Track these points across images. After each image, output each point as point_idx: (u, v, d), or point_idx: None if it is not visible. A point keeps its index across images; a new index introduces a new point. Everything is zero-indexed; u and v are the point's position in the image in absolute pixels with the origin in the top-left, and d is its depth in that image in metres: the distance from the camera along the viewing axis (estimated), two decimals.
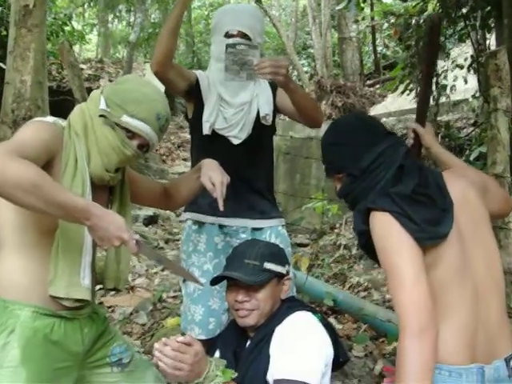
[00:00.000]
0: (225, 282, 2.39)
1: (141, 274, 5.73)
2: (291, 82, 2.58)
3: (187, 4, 2.66)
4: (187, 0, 2.62)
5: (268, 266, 2.10)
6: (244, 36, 2.66)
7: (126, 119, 1.91)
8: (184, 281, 2.79)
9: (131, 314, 4.76)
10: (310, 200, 7.34)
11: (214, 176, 2.23)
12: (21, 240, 1.86)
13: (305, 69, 17.29)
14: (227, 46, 2.46)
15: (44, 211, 1.64)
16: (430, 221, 1.71)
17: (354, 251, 6.82)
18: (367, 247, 1.83)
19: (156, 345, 1.85)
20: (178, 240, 7.13)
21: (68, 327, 1.93)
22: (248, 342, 2.11)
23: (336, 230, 7.71)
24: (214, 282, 2.26)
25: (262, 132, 2.78)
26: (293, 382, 1.85)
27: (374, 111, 12.70)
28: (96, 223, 1.68)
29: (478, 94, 8.19)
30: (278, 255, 2.20)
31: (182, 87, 2.75)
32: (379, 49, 16.46)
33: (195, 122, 2.78)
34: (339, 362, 2.06)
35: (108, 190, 2.10)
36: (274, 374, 1.91)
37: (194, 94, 2.75)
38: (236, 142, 2.73)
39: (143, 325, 4.62)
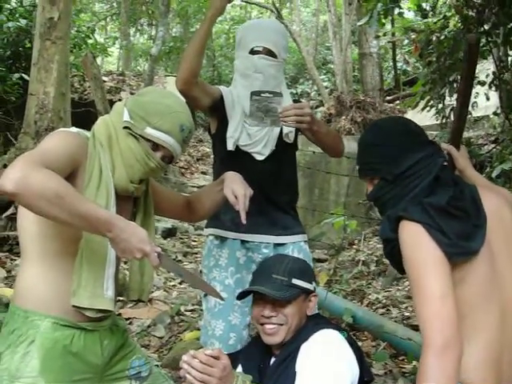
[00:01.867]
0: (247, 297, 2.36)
1: (159, 286, 5.72)
2: (315, 125, 2.58)
3: (214, 22, 2.66)
4: (214, 17, 2.62)
5: (296, 282, 2.08)
6: (269, 52, 2.66)
7: (149, 131, 1.91)
8: (205, 295, 2.77)
9: (149, 326, 4.75)
10: (328, 215, 7.32)
11: (236, 189, 2.21)
12: (42, 249, 1.85)
13: (324, 84, 17.29)
14: (252, 93, 2.46)
15: (66, 222, 1.63)
16: (461, 235, 1.68)
17: (373, 267, 6.78)
18: (392, 256, 1.80)
19: (184, 357, 1.83)
20: (196, 253, 7.13)
21: (88, 339, 1.92)
22: (272, 359, 2.08)
23: (355, 246, 7.67)
24: (241, 296, 2.24)
25: (284, 148, 2.78)
26: None
27: None
28: (118, 235, 1.67)
29: (499, 111, 8.14)
30: (305, 271, 2.18)
31: (205, 104, 2.74)
32: (399, 65, 16.44)
33: (218, 138, 2.77)
34: (363, 381, 2.02)
35: (132, 202, 2.10)
36: None
37: (218, 110, 2.75)
38: (259, 158, 2.72)
39: (161, 338, 4.60)
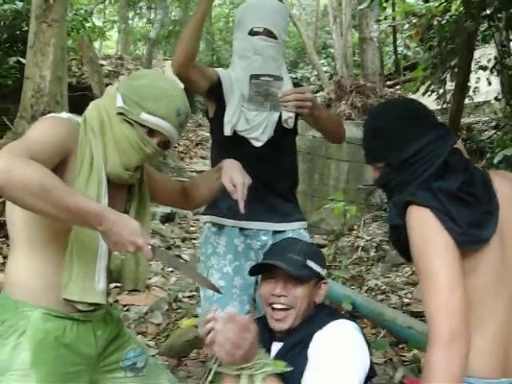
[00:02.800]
0: (243, 284, 2.30)
1: (156, 272, 5.69)
2: (316, 110, 2.50)
3: (210, 4, 2.60)
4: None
5: (310, 263, 2.01)
6: (269, 33, 2.58)
7: (144, 117, 1.83)
8: None
9: (146, 313, 4.71)
10: (328, 201, 7.29)
11: (235, 177, 2.15)
12: (30, 239, 1.79)
13: (324, 68, 17.21)
14: (251, 76, 2.39)
15: (53, 216, 1.56)
16: (472, 223, 1.60)
17: (372, 253, 6.77)
18: (399, 243, 1.73)
19: (222, 317, 1.75)
20: (194, 239, 7.10)
21: (80, 329, 1.86)
22: (276, 344, 1.99)
23: (354, 232, 7.65)
24: (252, 272, 2.17)
25: (283, 134, 2.71)
26: None
27: None
28: (110, 228, 1.60)
29: (500, 96, 8.08)
30: (319, 256, 2.12)
31: (203, 87, 2.67)
32: (400, 49, 16.34)
33: (216, 122, 2.70)
34: (367, 377, 1.95)
35: (126, 189, 2.02)
36: (311, 379, 1.81)
37: (216, 93, 2.67)
38: (257, 144, 2.65)
39: (158, 325, 4.57)
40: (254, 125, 2.61)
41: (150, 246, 1.68)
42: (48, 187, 1.49)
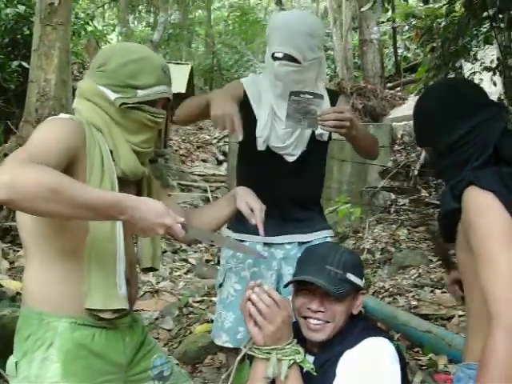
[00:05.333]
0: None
1: (165, 277, 5.67)
2: (353, 129, 2.38)
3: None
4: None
5: (350, 277, 1.86)
6: (291, 58, 2.45)
7: (142, 93, 1.80)
8: (220, 285, 2.68)
9: (157, 318, 4.69)
10: (332, 203, 7.27)
11: (251, 201, 2.12)
12: (45, 248, 1.72)
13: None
14: (291, 93, 2.29)
15: (73, 216, 1.50)
16: None
17: (378, 256, 6.75)
18: (449, 229, 1.68)
19: (257, 288, 1.71)
20: (200, 242, 7.07)
21: (109, 337, 1.80)
22: (311, 359, 1.94)
23: (359, 234, 7.63)
24: (288, 284, 2.04)
25: (316, 147, 2.63)
26: None
27: (394, 113, 12.60)
28: (133, 215, 1.52)
29: (503, 97, 8.08)
30: (359, 266, 1.97)
31: None
32: (400, 51, 16.36)
33: (246, 135, 2.50)
34: None
35: (135, 187, 1.96)
36: None
37: (243, 106, 2.56)
38: (290, 159, 2.58)
39: (169, 330, 4.54)
40: (287, 143, 2.54)
41: (179, 224, 1.62)
42: (58, 188, 1.42)
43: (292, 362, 1.74)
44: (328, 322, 1.84)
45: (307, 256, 2.00)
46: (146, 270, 2.03)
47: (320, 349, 1.88)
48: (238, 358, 1.80)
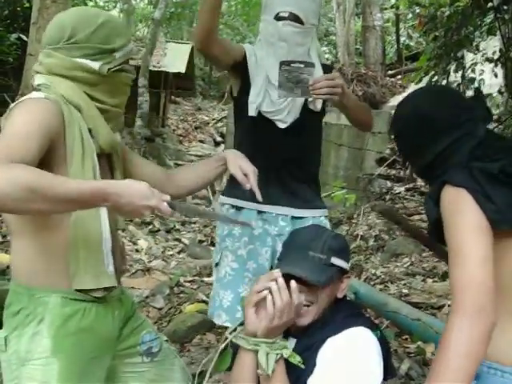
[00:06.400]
0: (257, 269, 2.22)
1: (157, 255, 5.67)
2: (345, 97, 2.43)
3: None
4: None
5: (335, 261, 1.84)
6: (296, 18, 2.48)
7: (119, 54, 1.81)
8: (216, 265, 2.69)
9: (147, 297, 4.70)
10: (327, 188, 7.27)
11: (245, 166, 2.09)
12: (28, 224, 1.69)
13: (326, 56, 17.14)
14: (281, 63, 2.30)
15: (56, 211, 1.51)
16: (510, 204, 1.55)
17: (371, 243, 6.76)
18: (439, 236, 1.66)
19: (279, 277, 1.68)
20: (194, 223, 7.10)
21: (99, 311, 1.79)
22: (293, 341, 1.92)
23: (353, 220, 7.64)
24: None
25: (309, 117, 2.63)
26: None
27: (394, 101, 12.58)
28: (117, 201, 1.50)
29: (503, 89, 8.06)
30: (344, 248, 1.94)
31: (227, 63, 2.59)
32: (402, 39, 16.31)
33: (240, 101, 2.62)
34: (385, 378, 1.84)
35: (107, 161, 1.91)
36: None
37: (241, 70, 2.59)
38: (282, 125, 2.58)
39: (160, 309, 4.55)
40: (279, 108, 2.55)
41: (165, 203, 1.60)
42: (35, 187, 1.39)
43: (279, 356, 1.72)
44: (312, 303, 1.81)
45: (292, 241, 1.97)
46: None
47: (302, 332, 1.85)
48: (222, 345, 1.80)
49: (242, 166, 2.11)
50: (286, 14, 2.48)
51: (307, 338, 1.83)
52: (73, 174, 1.65)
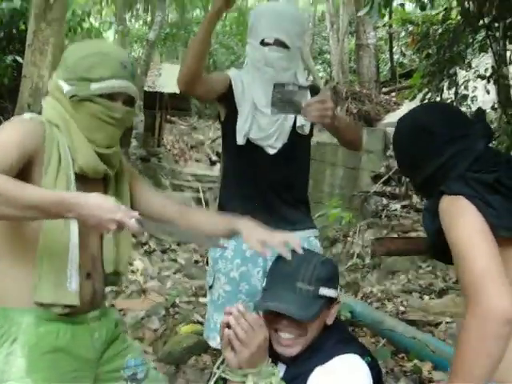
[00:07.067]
0: (250, 290, 2.19)
1: (153, 276, 5.66)
2: (336, 120, 2.41)
3: (213, 24, 2.44)
4: (212, 19, 2.40)
5: (324, 291, 1.77)
6: (281, 44, 2.52)
7: (95, 86, 1.77)
8: (210, 287, 2.67)
9: (143, 318, 4.66)
10: (323, 207, 7.27)
11: (261, 236, 1.94)
12: (3, 244, 1.72)
13: (320, 74, 17.23)
14: (275, 85, 2.30)
15: (20, 217, 1.52)
16: (509, 210, 1.54)
17: (368, 260, 6.76)
18: (443, 252, 1.64)
19: (233, 309, 1.65)
20: (190, 243, 7.08)
21: (76, 332, 1.77)
22: (283, 367, 1.80)
23: (349, 239, 7.64)
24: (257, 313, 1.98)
25: (298, 140, 2.65)
26: None
27: (388, 119, 12.62)
28: (80, 213, 1.51)
29: (496, 106, 8.11)
30: (333, 277, 1.86)
31: (212, 97, 2.63)
32: (396, 57, 16.40)
33: (228, 128, 2.64)
34: None
35: (102, 185, 1.91)
36: None
37: (227, 99, 2.61)
38: (271, 151, 2.59)
39: (155, 330, 4.51)
40: (268, 134, 2.56)
41: (133, 220, 1.58)
42: (0, 191, 1.44)
43: None
44: (300, 336, 1.76)
45: (277, 269, 1.87)
46: (112, 275, 1.93)
47: (291, 360, 1.79)
48: (212, 381, 1.75)
49: (259, 239, 1.94)
50: (272, 41, 2.51)
51: (296, 367, 1.78)
52: (45, 186, 1.67)
